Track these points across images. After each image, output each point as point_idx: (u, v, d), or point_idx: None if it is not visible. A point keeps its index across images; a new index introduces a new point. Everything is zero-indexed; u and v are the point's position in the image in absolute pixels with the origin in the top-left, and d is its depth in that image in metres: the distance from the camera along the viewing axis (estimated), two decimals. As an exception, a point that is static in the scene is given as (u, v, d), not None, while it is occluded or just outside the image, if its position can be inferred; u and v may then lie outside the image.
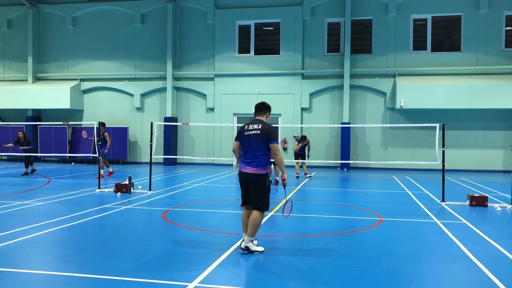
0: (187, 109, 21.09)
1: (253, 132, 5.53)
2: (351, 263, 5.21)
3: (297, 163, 15.50)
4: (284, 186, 5.65)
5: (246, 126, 5.65)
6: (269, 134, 5.48)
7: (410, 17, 19.33)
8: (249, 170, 5.48)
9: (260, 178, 5.45)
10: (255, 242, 5.51)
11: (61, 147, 21.17)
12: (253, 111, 5.85)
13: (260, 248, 5.52)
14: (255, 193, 5.47)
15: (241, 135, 5.63)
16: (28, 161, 15.33)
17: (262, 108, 5.77)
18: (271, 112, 5.91)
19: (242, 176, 5.59)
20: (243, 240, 5.53)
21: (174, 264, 5.04)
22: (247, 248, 5.44)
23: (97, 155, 11.71)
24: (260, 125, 5.57)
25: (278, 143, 5.55)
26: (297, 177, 15.19)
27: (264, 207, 5.48)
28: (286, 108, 19.90)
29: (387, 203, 9.92)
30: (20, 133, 15.35)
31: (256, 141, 5.47)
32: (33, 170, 15.39)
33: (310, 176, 15.37)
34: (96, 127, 12.03)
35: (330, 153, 19.69)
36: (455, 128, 18.42)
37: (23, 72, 22.33)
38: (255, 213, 5.44)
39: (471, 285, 4.49)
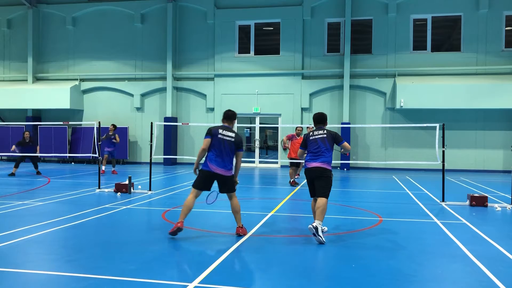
0: (187, 109, 21.09)
1: (320, 136, 6.62)
2: (351, 263, 5.21)
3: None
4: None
5: (311, 133, 6.74)
6: (336, 136, 6.64)
7: (410, 17, 19.33)
8: (320, 164, 6.44)
9: (328, 172, 6.46)
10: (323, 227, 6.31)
11: (61, 147, 21.16)
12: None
13: (325, 228, 6.52)
14: (323, 183, 6.39)
15: (307, 142, 6.70)
16: (36, 161, 15.36)
17: (325, 119, 6.89)
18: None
19: (311, 171, 6.49)
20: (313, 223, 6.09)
21: (174, 264, 5.05)
22: (316, 228, 5.99)
23: (97, 155, 11.69)
24: (325, 131, 6.72)
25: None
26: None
27: (328, 193, 6.43)
28: (286, 108, 19.90)
29: (387, 203, 9.92)
30: (26, 133, 15.20)
31: (323, 142, 6.53)
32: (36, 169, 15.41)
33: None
34: (96, 127, 12.04)
35: (330, 153, 19.66)
36: (455, 128, 18.42)
37: (23, 72, 22.33)
38: (321, 200, 6.28)
39: (471, 285, 4.49)
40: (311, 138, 6.66)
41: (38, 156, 15.23)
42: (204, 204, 9.45)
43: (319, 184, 6.39)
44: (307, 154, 6.66)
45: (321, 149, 6.51)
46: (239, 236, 6.38)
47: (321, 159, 6.46)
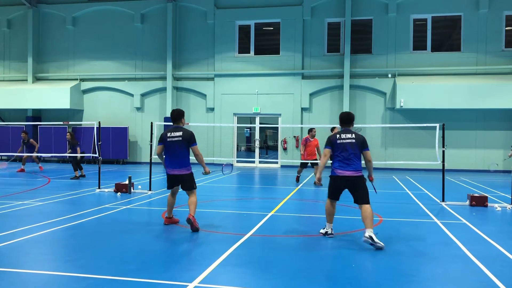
0: (187, 109, 21.07)
1: (348, 140, 6.27)
2: (351, 262, 5.22)
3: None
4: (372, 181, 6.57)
5: (338, 135, 6.33)
6: (364, 142, 6.32)
7: (410, 17, 19.33)
8: (354, 173, 6.19)
9: (362, 179, 6.26)
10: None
11: (61, 147, 21.14)
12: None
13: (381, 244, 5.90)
14: (361, 190, 6.20)
15: (333, 143, 6.33)
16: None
17: (352, 120, 6.50)
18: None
19: (343, 179, 6.22)
20: (365, 233, 5.87)
21: (174, 264, 5.05)
22: (371, 238, 5.77)
23: (97, 155, 11.69)
24: (354, 134, 6.35)
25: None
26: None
27: (368, 198, 6.24)
28: (286, 108, 19.90)
29: (387, 203, 9.92)
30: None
31: (352, 148, 6.22)
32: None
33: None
34: (96, 127, 12.02)
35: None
36: (455, 128, 18.42)
37: (23, 72, 22.33)
38: (366, 207, 6.13)
39: (471, 285, 4.49)
40: (338, 142, 6.31)
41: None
42: (204, 204, 9.46)
43: (358, 193, 6.23)
44: (335, 158, 6.34)
45: (351, 156, 6.22)
46: (190, 224, 6.59)
47: (352, 166, 6.20)
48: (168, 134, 6.82)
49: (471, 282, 4.57)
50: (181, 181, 6.94)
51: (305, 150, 13.29)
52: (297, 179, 13.78)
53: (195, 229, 6.62)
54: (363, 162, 6.35)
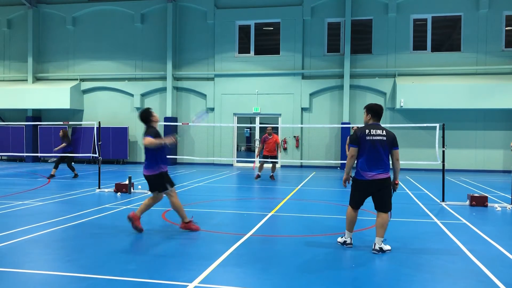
0: (187, 109, 21.09)
1: (379, 138, 5.52)
2: (351, 263, 5.22)
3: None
4: (395, 190, 5.75)
5: (367, 131, 5.57)
6: (395, 140, 5.60)
7: (410, 17, 19.33)
8: (384, 175, 5.50)
9: (389, 181, 5.58)
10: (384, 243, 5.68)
11: (61, 147, 21.13)
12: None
13: (388, 247, 5.65)
14: (386, 196, 5.55)
15: (361, 140, 5.56)
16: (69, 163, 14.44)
17: (381, 114, 5.78)
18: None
19: (374, 183, 5.50)
20: (374, 244, 5.57)
21: (174, 264, 5.04)
22: (381, 249, 5.53)
23: (97, 155, 11.69)
24: (384, 131, 5.61)
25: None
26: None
27: (390, 207, 5.66)
28: (286, 108, 19.90)
29: (387, 203, 9.93)
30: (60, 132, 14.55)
31: (383, 147, 5.50)
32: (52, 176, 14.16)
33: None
34: (96, 127, 12.03)
35: (330, 153, 19.69)
36: (455, 128, 18.42)
37: (23, 72, 22.33)
38: (384, 215, 5.58)
39: (471, 285, 4.49)
40: (367, 138, 5.51)
41: (69, 156, 14.35)
42: (204, 204, 9.47)
43: (382, 197, 5.54)
44: (361, 159, 5.55)
45: (382, 156, 5.47)
46: (131, 222, 6.54)
47: (383, 167, 5.48)
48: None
49: (471, 282, 4.57)
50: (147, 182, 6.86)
51: (265, 147, 14.27)
52: (258, 177, 14.32)
53: (136, 229, 6.56)
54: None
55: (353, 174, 5.85)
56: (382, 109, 5.80)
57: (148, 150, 6.58)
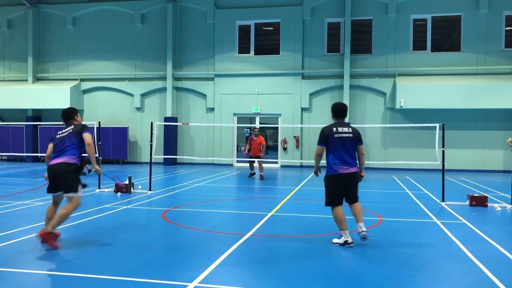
0: (187, 109, 21.09)
1: (346, 135, 5.92)
2: (351, 263, 5.22)
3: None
4: (360, 181, 6.12)
5: (335, 129, 5.94)
6: (359, 137, 6.02)
7: (410, 17, 19.34)
8: (355, 169, 5.92)
9: (357, 174, 5.99)
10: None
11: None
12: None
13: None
14: (356, 188, 5.97)
15: (330, 138, 5.92)
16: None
17: (346, 112, 6.19)
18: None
19: (343, 177, 5.88)
20: (360, 228, 5.85)
21: (174, 264, 5.04)
22: (366, 231, 5.83)
23: (97, 155, 11.68)
24: (350, 128, 6.02)
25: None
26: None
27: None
28: (286, 108, 19.91)
29: (387, 203, 9.93)
30: None
31: (350, 143, 5.91)
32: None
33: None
34: (96, 127, 12.01)
35: (330, 153, 19.67)
36: (455, 128, 18.42)
37: (23, 72, 22.33)
38: (358, 204, 5.97)
39: (471, 285, 4.49)
40: (336, 136, 5.88)
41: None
42: (204, 204, 9.47)
43: (353, 191, 5.96)
44: (331, 155, 5.91)
45: (350, 151, 5.88)
46: (43, 239, 5.51)
47: (353, 162, 5.89)
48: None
49: (471, 282, 4.57)
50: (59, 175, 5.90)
51: (250, 148, 14.67)
52: (251, 174, 15.01)
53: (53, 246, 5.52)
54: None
55: (323, 174, 6.19)
56: (346, 107, 6.19)
57: (82, 145, 5.93)
